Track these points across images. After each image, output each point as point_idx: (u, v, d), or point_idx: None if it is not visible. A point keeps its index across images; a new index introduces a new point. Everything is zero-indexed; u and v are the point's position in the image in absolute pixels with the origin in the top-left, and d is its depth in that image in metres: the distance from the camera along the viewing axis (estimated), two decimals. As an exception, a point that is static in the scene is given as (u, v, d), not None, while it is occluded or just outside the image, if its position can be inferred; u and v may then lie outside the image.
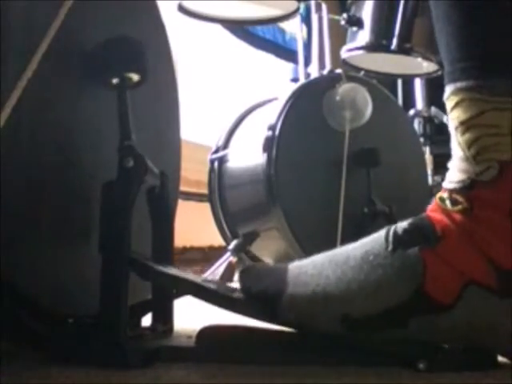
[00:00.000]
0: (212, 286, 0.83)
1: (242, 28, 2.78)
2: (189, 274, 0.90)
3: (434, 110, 2.58)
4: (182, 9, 1.80)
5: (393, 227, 0.79)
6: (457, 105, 0.78)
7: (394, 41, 2.03)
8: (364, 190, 1.86)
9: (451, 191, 0.78)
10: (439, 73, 2.13)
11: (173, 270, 0.88)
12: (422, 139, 2.43)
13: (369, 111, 1.86)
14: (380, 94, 2.03)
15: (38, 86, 0.80)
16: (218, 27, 2.35)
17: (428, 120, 2.56)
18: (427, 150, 2.51)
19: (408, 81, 2.68)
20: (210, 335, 0.81)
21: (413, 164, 2.07)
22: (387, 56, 2.12)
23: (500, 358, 0.78)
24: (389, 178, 1.93)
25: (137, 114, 0.91)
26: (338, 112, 1.86)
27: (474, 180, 0.76)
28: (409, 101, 2.67)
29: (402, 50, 2.04)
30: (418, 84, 2.65)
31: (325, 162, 1.88)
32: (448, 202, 0.77)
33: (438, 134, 2.52)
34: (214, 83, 3.02)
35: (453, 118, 0.78)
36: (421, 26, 2.03)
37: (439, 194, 0.79)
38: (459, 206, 0.77)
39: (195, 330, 0.82)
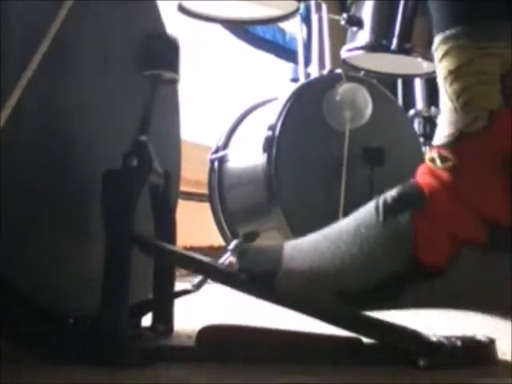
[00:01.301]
0: (219, 265, 0.83)
1: (242, 28, 2.78)
2: (195, 254, 0.90)
3: (434, 109, 2.58)
4: (182, 9, 1.80)
5: (382, 197, 0.78)
6: (445, 54, 0.76)
7: (394, 41, 2.03)
8: (364, 190, 1.86)
9: (440, 147, 0.76)
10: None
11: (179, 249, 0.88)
12: (422, 139, 2.43)
13: (369, 111, 1.86)
14: (380, 94, 2.03)
15: (39, 85, 0.80)
16: (218, 27, 2.35)
17: (428, 120, 2.56)
18: (427, 150, 2.50)
19: (408, 81, 2.68)
20: (210, 335, 0.81)
21: (413, 164, 2.07)
22: (387, 56, 2.12)
23: (500, 356, 0.78)
24: (389, 178, 1.93)
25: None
26: (338, 112, 1.86)
27: (463, 132, 0.75)
28: (409, 101, 2.67)
29: (402, 50, 2.04)
30: (418, 84, 2.65)
31: (325, 162, 1.88)
32: (438, 161, 0.76)
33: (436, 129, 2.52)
34: (214, 83, 3.02)
35: (441, 68, 0.77)
36: (421, 26, 2.03)
37: (429, 155, 0.78)
38: (448, 163, 0.75)
39: (195, 330, 0.82)
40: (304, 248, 0.79)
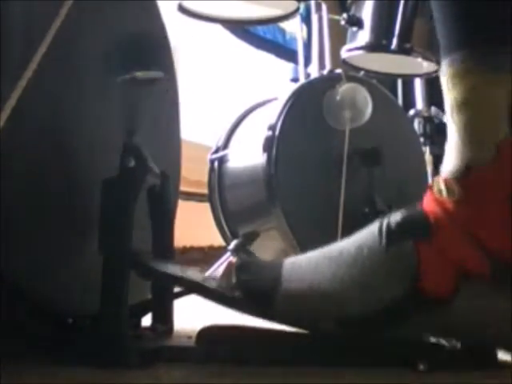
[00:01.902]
0: (212, 285, 0.83)
1: (242, 28, 2.77)
2: (190, 272, 0.90)
3: (434, 109, 2.57)
4: (182, 9, 1.80)
5: (385, 220, 0.77)
6: (451, 80, 0.76)
7: (394, 41, 2.03)
8: (365, 190, 1.86)
9: (446, 179, 0.76)
10: (439, 73, 2.13)
11: (173, 268, 0.88)
12: (422, 139, 2.43)
13: (369, 111, 1.86)
14: (380, 94, 2.03)
15: (39, 85, 0.80)
16: (218, 27, 2.35)
17: (428, 120, 2.55)
18: (427, 149, 2.50)
19: (408, 81, 2.68)
20: (210, 335, 0.81)
21: (413, 164, 2.07)
22: (387, 56, 2.11)
23: (500, 358, 0.78)
24: (389, 178, 1.93)
25: (137, 114, 0.91)
26: (338, 112, 1.86)
27: (469, 166, 0.75)
28: (409, 101, 2.66)
29: (402, 50, 2.04)
30: (418, 84, 2.64)
31: (325, 162, 1.88)
32: (444, 192, 0.76)
33: (438, 134, 2.52)
34: (214, 83, 3.01)
35: (447, 97, 0.77)
36: (421, 26, 2.03)
37: (436, 184, 0.78)
38: (454, 195, 0.75)
39: (195, 330, 0.82)
40: (304, 267, 0.78)
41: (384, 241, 0.75)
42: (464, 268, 0.73)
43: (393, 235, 0.76)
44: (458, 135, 0.75)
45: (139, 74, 0.91)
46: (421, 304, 0.73)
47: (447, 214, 0.75)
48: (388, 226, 0.76)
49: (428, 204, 0.77)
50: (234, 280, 0.80)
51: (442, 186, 0.76)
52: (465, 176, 0.75)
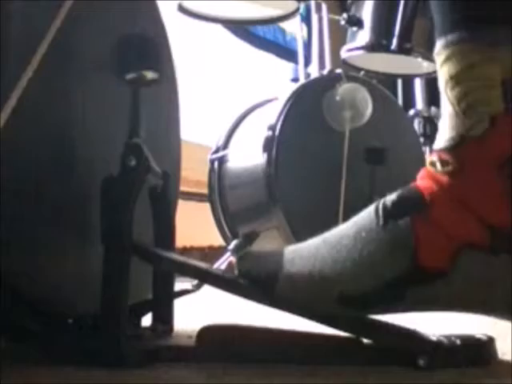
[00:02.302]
0: (217, 271, 0.84)
1: (242, 28, 2.77)
2: (193, 261, 0.90)
3: (434, 109, 2.57)
4: (182, 9, 1.80)
5: (382, 200, 0.78)
6: (447, 59, 0.76)
7: (394, 41, 2.03)
8: (365, 190, 1.86)
9: (440, 151, 0.77)
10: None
11: (177, 256, 0.88)
12: (422, 139, 2.43)
13: (369, 111, 1.86)
14: (380, 94, 2.03)
15: (39, 86, 0.80)
16: (219, 27, 2.35)
17: (428, 120, 2.56)
18: (427, 150, 2.51)
19: (408, 81, 2.68)
20: (210, 335, 0.81)
21: (413, 164, 2.07)
22: (387, 56, 2.12)
23: (500, 356, 0.78)
24: (389, 178, 1.93)
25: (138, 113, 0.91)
26: (338, 112, 1.86)
27: (464, 136, 0.75)
28: (409, 101, 2.66)
29: (402, 50, 2.05)
30: (418, 84, 2.64)
31: (325, 162, 1.88)
32: (438, 164, 0.76)
33: (437, 134, 2.52)
34: (214, 83, 3.01)
35: (442, 73, 0.77)
36: (421, 26, 2.03)
37: (429, 159, 0.78)
38: (449, 167, 0.75)
39: (195, 330, 0.82)
40: (304, 253, 0.79)
41: (381, 220, 0.76)
42: (461, 239, 0.73)
43: (389, 214, 0.76)
44: (453, 108, 0.76)
45: (146, 74, 0.91)
46: (420, 278, 0.73)
47: (441, 187, 0.75)
48: (384, 205, 0.77)
49: (422, 180, 0.78)
50: (235, 272, 0.81)
51: (436, 159, 0.76)
52: (459, 146, 0.75)
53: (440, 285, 0.73)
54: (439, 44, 0.77)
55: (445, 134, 0.77)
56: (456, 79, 0.76)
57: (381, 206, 0.77)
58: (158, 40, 0.94)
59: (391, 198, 0.78)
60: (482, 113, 0.74)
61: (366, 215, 0.78)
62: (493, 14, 0.75)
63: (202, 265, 0.87)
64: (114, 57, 0.91)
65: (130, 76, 0.90)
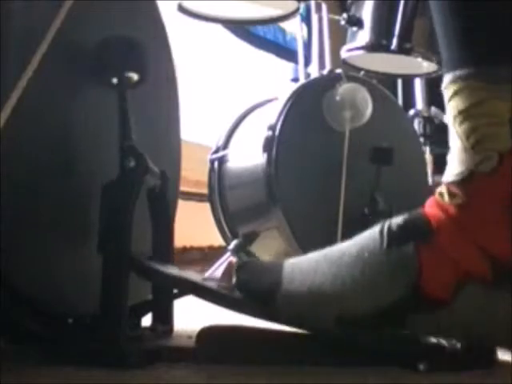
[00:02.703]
0: (211, 285, 0.83)
1: (242, 28, 2.77)
2: (188, 273, 0.90)
3: (433, 110, 2.57)
4: (182, 9, 1.80)
5: (387, 223, 0.78)
6: (455, 94, 0.77)
7: (394, 41, 2.03)
8: (365, 190, 1.86)
9: (449, 184, 0.77)
10: (439, 73, 2.13)
11: (172, 270, 0.88)
12: (422, 139, 2.43)
13: (369, 111, 1.86)
14: (380, 94, 2.02)
15: (38, 86, 0.80)
16: (219, 27, 2.35)
17: (428, 120, 2.55)
18: (427, 149, 2.50)
19: (408, 81, 2.68)
20: (210, 335, 0.81)
21: (413, 164, 2.07)
22: (387, 56, 2.12)
23: (500, 358, 0.78)
24: (389, 178, 1.93)
25: (137, 114, 0.91)
26: (338, 112, 1.86)
27: (472, 171, 0.76)
28: (409, 101, 2.66)
29: (402, 50, 2.04)
30: (418, 84, 2.64)
31: (325, 162, 1.88)
32: (446, 196, 0.77)
33: (438, 134, 2.52)
34: (214, 83, 3.01)
35: (451, 108, 0.77)
36: (421, 26, 2.03)
37: (439, 189, 0.79)
38: (457, 200, 0.76)
39: (195, 330, 0.82)
40: (304, 268, 0.78)
41: (385, 242, 0.76)
42: (464, 270, 0.73)
43: (394, 237, 0.76)
44: (461, 143, 0.77)
45: (131, 77, 0.91)
46: (421, 305, 0.74)
47: (449, 217, 0.76)
48: (389, 228, 0.77)
49: (430, 208, 0.78)
50: (234, 280, 0.80)
51: (444, 191, 0.77)
52: (467, 181, 0.76)
53: (440, 314, 0.73)
54: (447, 78, 0.78)
55: (454, 167, 0.78)
56: (464, 114, 0.76)
57: (386, 228, 0.77)
58: (146, 40, 0.94)
59: (397, 221, 0.78)
60: (491, 149, 0.75)
61: (371, 236, 0.78)
62: (502, 52, 0.76)
63: (198, 278, 0.87)
64: (112, 57, 0.91)
65: (114, 80, 0.90)
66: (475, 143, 0.75)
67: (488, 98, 0.75)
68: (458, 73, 0.76)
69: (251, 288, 0.79)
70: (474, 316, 0.73)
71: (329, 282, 0.76)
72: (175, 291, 0.99)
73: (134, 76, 0.91)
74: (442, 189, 0.78)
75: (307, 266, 0.78)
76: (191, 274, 0.89)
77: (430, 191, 2.17)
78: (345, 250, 0.78)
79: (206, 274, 2.09)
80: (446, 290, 0.73)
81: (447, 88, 0.78)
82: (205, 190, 2.10)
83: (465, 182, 0.76)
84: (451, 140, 0.78)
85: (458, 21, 0.77)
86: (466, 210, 0.75)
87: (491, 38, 0.76)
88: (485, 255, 0.73)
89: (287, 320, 0.78)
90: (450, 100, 0.78)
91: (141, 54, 0.93)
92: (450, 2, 0.77)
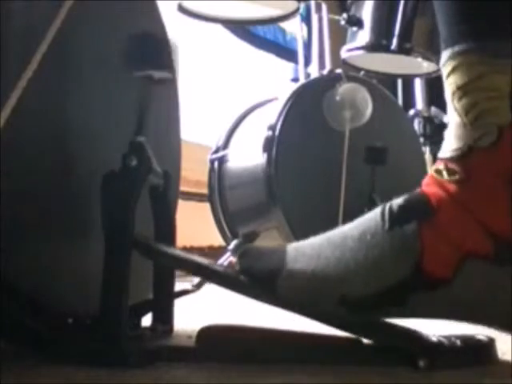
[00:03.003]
0: (218, 267, 0.83)
1: (242, 28, 2.77)
2: (194, 256, 0.90)
3: (434, 109, 2.58)
4: (182, 9, 1.80)
5: (388, 204, 0.78)
6: (454, 69, 0.76)
7: (394, 41, 2.03)
8: (364, 190, 1.86)
9: (447, 160, 0.77)
10: (439, 73, 2.13)
11: (177, 251, 0.88)
12: (422, 139, 2.43)
13: (369, 111, 1.86)
14: (380, 94, 2.03)
15: (39, 86, 0.80)
16: (218, 27, 2.35)
17: (428, 120, 2.56)
18: (427, 149, 2.51)
19: (408, 81, 2.68)
20: (210, 335, 0.81)
21: (413, 164, 2.07)
22: (387, 56, 2.12)
23: (500, 356, 0.78)
24: (389, 178, 1.93)
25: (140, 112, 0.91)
26: (338, 112, 1.86)
27: (471, 146, 0.75)
28: (409, 101, 2.67)
29: (402, 50, 2.05)
30: (418, 84, 2.65)
31: (325, 162, 1.88)
32: (445, 173, 0.76)
33: (438, 134, 2.52)
34: (214, 83, 3.01)
35: (449, 84, 0.77)
36: (421, 26, 2.03)
37: (435, 167, 0.78)
38: (455, 176, 0.75)
39: (195, 330, 0.82)
40: (307, 251, 0.78)
41: (387, 224, 0.76)
42: (466, 248, 0.73)
43: (395, 217, 0.76)
44: (460, 119, 0.76)
45: (156, 74, 0.91)
46: (422, 284, 0.73)
47: (448, 194, 0.75)
48: (390, 209, 0.77)
49: (428, 186, 0.78)
50: (237, 267, 0.80)
51: (442, 167, 0.76)
52: (466, 156, 0.75)
53: (442, 292, 0.73)
54: (445, 55, 0.77)
55: (451, 143, 0.77)
56: (463, 90, 0.76)
57: (387, 210, 0.77)
58: (160, 39, 0.94)
59: (397, 202, 0.78)
60: (490, 124, 0.74)
61: (372, 218, 0.78)
62: (502, 26, 0.75)
63: (204, 261, 0.86)
64: (120, 55, 0.91)
65: (141, 74, 0.90)
66: (474, 118, 0.75)
67: (487, 72, 0.74)
68: (456, 48, 0.76)
69: (254, 272, 0.79)
70: (475, 295, 0.73)
71: (332, 266, 0.76)
72: (175, 291, 0.99)
73: (162, 73, 0.91)
74: (440, 165, 0.77)
75: (310, 251, 0.78)
76: (196, 257, 0.89)
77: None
78: (347, 233, 0.78)
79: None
80: (447, 268, 0.73)
81: (445, 65, 0.77)
82: (205, 190, 2.10)
83: (463, 157, 0.75)
84: (449, 116, 0.78)
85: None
86: (465, 187, 0.75)
87: (490, 13, 0.76)
88: (486, 232, 0.73)
89: (290, 303, 0.78)
90: (448, 76, 0.77)
91: (168, 51, 0.93)
92: None
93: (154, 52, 0.91)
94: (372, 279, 0.74)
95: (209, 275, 0.83)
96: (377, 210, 0.78)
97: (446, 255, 0.73)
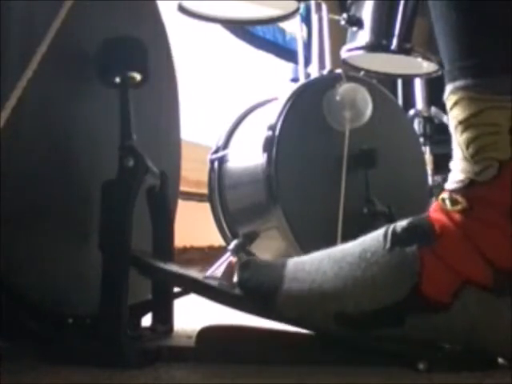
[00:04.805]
0: (212, 283, 0.83)
1: (242, 28, 2.77)
2: (189, 271, 0.90)
3: (434, 109, 2.57)
4: (182, 9, 1.80)
5: (392, 226, 0.79)
6: (455, 104, 0.78)
7: (394, 41, 2.03)
8: (363, 190, 1.86)
9: (451, 191, 0.78)
10: (439, 73, 2.13)
11: (173, 267, 0.88)
12: (421, 139, 2.43)
13: (369, 111, 1.86)
14: (380, 94, 2.02)
15: (38, 86, 0.80)
16: (218, 27, 2.35)
17: (428, 120, 2.56)
18: (427, 149, 2.51)
19: (408, 81, 2.68)
20: (210, 335, 0.81)
21: (413, 164, 2.07)
22: (387, 56, 2.12)
23: (500, 359, 0.78)
24: (389, 178, 1.93)
25: (137, 113, 0.91)
26: (338, 112, 1.86)
27: (473, 180, 0.76)
28: (409, 101, 2.66)
29: (402, 50, 2.04)
30: (418, 84, 2.64)
31: (325, 162, 1.88)
32: (448, 202, 0.78)
33: (438, 134, 2.52)
34: (214, 83, 3.01)
35: (452, 118, 0.79)
36: (421, 26, 2.03)
37: (441, 195, 0.79)
38: (458, 206, 0.77)
39: (195, 330, 0.82)
40: (307, 267, 0.79)
41: (388, 244, 0.76)
42: (465, 275, 0.74)
43: (397, 239, 0.77)
44: (462, 152, 0.77)
45: (134, 76, 0.91)
46: (420, 307, 0.74)
47: (452, 222, 0.76)
48: (394, 230, 0.78)
49: (434, 212, 0.79)
50: (235, 278, 0.81)
51: (446, 197, 0.78)
52: (468, 190, 0.77)
53: (440, 317, 0.74)
54: (448, 89, 0.79)
55: (455, 175, 0.79)
56: (464, 124, 0.77)
57: (390, 231, 0.78)
58: (146, 40, 0.94)
59: (402, 224, 0.79)
60: (490, 158, 0.75)
61: (375, 237, 0.79)
62: (501, 63, 0.76)
63: (199, 275, 0.87)
64: (112, 57, 0.91)
65: (117, 79, 0.90)
66: (475, 152, 0.76)
67: (487, 107, 0.75)
68: (457, 83, 0.77)
69: (252, 286, 0.79)
70: (473, 322, 0.73)
71: (330, 281, 0.76)
72: (175, 291, 0.99)
73: (137, 76, 0.91)
74: (445, 195, 0.79)
75: (310, 266, 0.79)
76: (192, 272, 0.89)
77: (430, 191, 2.17)
78: (347, 250, 0.79)
79: (207, 274, 2.09)
80: (446, 294, 0.74)
81: (448, 98, 0.79)
82: (205, 190, 2.10)
83: (466, 190, 0.77)
84: (454, 149, 0.79)
85: (458, 33, 0.77)
86: (468, 216, 0.76)
87: (490, 50, 0.77)
88: (487, 262, 0.74)
89: (287, 319, 0.78)
90: (450, 110, 0.79)
91: (144, 54, 0.93)
92: (451, 13, 0.77)
93: (126, 55, 0.91)
94: (369, 297, 0.75)
95: (204, 292, 0.83)
96: (380, 231, 0.79)
97: (445, 280, 0.74)
